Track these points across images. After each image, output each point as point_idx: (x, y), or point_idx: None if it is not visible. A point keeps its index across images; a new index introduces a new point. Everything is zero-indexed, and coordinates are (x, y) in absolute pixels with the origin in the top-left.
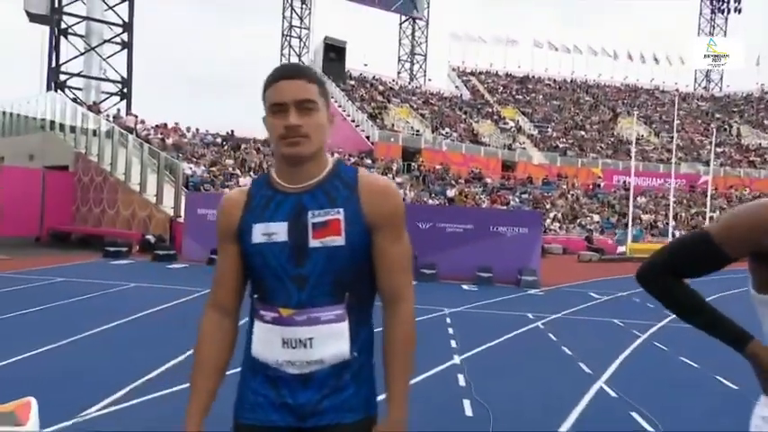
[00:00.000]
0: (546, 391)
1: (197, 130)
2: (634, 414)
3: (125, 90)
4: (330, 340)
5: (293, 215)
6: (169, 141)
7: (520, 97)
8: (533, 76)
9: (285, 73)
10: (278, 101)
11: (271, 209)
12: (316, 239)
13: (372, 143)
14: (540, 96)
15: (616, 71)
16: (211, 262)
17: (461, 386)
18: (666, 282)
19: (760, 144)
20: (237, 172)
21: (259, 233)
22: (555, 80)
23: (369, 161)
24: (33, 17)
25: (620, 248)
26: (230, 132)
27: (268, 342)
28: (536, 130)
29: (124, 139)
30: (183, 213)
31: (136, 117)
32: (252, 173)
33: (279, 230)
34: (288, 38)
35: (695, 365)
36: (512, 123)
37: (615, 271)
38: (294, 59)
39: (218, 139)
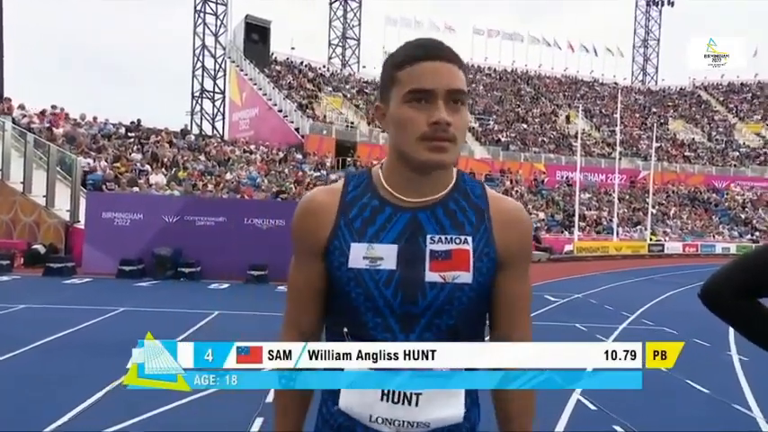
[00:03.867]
0: None
1: (94, 118)
2: (617, 427)
3: None
4: (441, 399)
5: (406, 237)
6: (59, 131)
7: None
8: (473, 65)
9: (434, 51)
10: (424, 86)
11: (376, 225)
12: (434, 272)
13: (302, 136)
14: (481, 87)
15: (556, 61)
16: (122, 274)
17: None
18: (742, 304)
19: (693, 139)
20: (148, 168)
21: (359, 255)
22: (495, 70)
23: (299, 156)
24: None
25: (568, 247)
26: (136, 122)
27: (363, 391)
28: (477, 123)
29: None
30: (82, 218)
31: (9, 100)
32: (165, 169)
33: (386, 255)
34: (201, 14)
35: (663, 369)
36: None
37: (565, 271)
38: (210, 40)
39: (122, 130)
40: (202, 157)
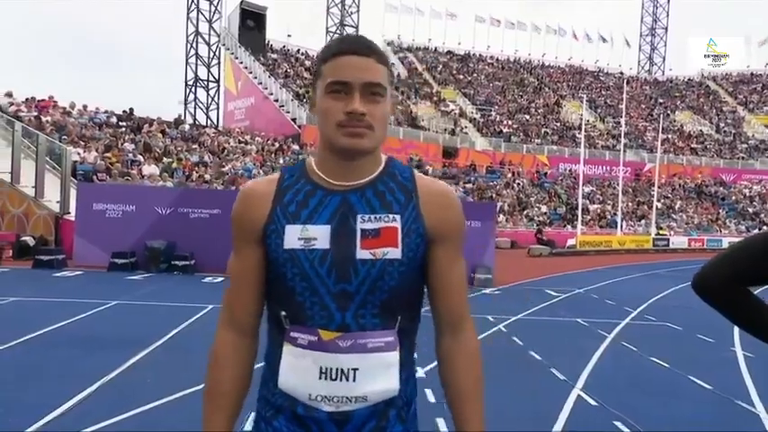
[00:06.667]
0: (524, 402)
1: (84, 107)
2: (618, 423)
3: None
4: (378, 373)
5: (338, 218)
6: (48, 120)
7: (461, 77)
8: (475, 54)
9: (352, 46)
10: (341, 79)
11: (309, 207)
12: (365, 249)
13: (299, 126)
14: (483, 76)
15: (560, 51)
16: (114, 267)
17: (432, 403)
18: (735, 293)
19: (701, 131)
20: (140, 158)
21: (294, 237)
22: (498, 59)
23: (296, 147)
24: None
25: (570, 241)
26: (128, 111)
27: (301, 371)
28: (479, 114)
29: None
30: (73, 209)
31: None
32: (156, 160)
33: (319, 235)
34: None
35: (666, 365)
36: (453, 106)
37: (567, 266)
38: (204, 26)
39: (113, 119)
40: (197, 148)
